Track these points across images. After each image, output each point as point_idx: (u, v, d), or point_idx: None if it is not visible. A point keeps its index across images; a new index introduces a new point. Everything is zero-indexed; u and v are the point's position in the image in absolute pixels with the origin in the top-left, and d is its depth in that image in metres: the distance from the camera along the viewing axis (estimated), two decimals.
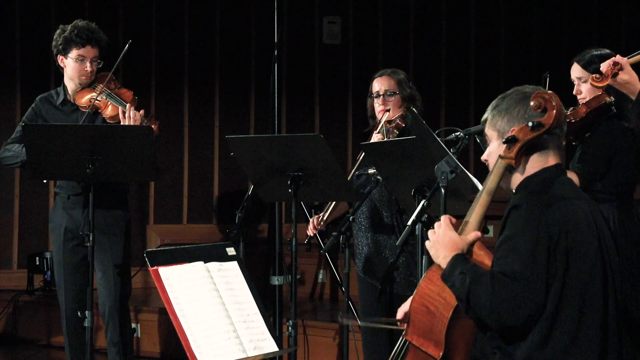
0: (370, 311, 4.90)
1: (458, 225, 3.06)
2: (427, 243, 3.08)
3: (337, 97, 8.45)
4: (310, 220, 5.10)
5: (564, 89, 3.90)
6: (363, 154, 4.78)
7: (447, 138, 4.33)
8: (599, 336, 2.92)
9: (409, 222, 4.00)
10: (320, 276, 7.49)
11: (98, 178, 4.76)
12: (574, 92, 4.33)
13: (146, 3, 8.07)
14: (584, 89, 4.30)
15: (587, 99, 4.29)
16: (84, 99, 5.18)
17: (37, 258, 7.38)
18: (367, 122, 5.09)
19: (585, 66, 4.31)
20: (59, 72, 5.35)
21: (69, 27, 5.17)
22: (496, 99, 3.12)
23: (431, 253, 3.05)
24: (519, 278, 2.84)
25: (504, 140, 3.03)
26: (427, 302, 3.06)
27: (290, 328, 4.61)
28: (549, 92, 3.03)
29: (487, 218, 3.21)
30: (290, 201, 4.60)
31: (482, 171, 3.32)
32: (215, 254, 3.65)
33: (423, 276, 3.13)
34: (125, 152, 4.75)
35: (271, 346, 3.56)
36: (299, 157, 4.53)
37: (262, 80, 7.52)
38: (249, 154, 4.68)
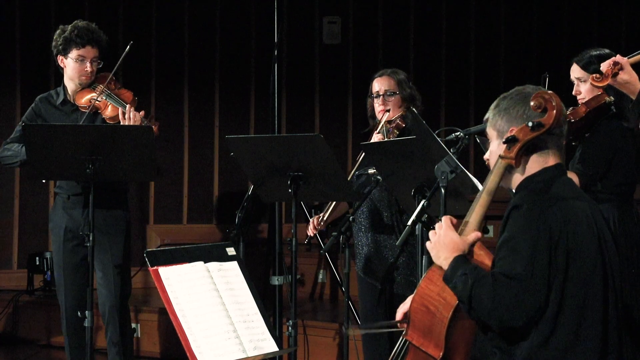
0: (370, 311, 4.90)
1: (458, 225, 3.06)
2: (427, 244, 3.08)
3: (337, 97, 8.45)
4: (311, 220, 5.10)
5: (564, 89, 3.90)
6: (363, 154, 4.78)
7: (447, 138, 4.32)
8: (600, 336, 2.92)
9: (409, 222, 4.00)
10: (320, 276, 7.49)
11: (98, 178, 4.76)
12: (573, 93, 4.33)
13: (146, 3, 8.07)
14: (583, 89, 4.30)
15: (587, 99, 4.29)
16: (84, 99, 5.18)
17: (37, 258, 7.37)
18: (367, 122, 5.09)
19: (584, 67, 4.31)
20: (59, 72, 5.35)
21: (69, 28, 5.17)
22: (498, 99, 3.12)
23: (432, 254, 3.05)
24: (520, 279, 2.84)
25: (504, 140, 3.03)
26: (427, 302, 3.06)
27: (290, 328, 4.61)
28: (549, 92, 3.03)
29: (487, 218, 3.21)
30: (290, 201, 4.60)
31: (482, 171, 3.32)
32: (215, 254, 3.65)
33: (423, 276, 3.13)
34: (125, 152, 4.75)
35: (271, 346, 3.56)
36: (299, 157, 4.53)
37: (262, 80, 7.52)
38: (249, 154, 4.68)
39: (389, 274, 4.83)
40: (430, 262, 3.10)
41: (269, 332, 3.57)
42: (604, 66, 3.96)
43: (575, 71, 4.35)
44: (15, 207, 7.75)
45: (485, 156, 3.17)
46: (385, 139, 4.77)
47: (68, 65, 5.18)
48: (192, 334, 3.39)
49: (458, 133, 4.27)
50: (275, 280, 5.98)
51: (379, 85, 4.94)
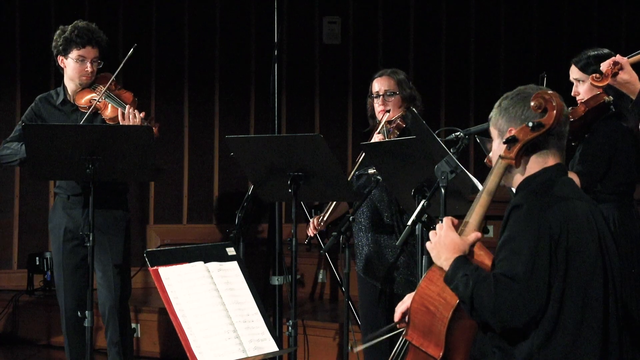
0: (370, 311, 4.90)
1: (458, 225, 3.06)
2: (428, 244, 3.08)
3: (337, 97, 8.45)
4: (311, 220, 5.10)
5: (564, 89, 3.89)
6: (363, 154, 4.78)
7: (447, 138, 4.32)
8: (600, 336, 2.92)
9: (409, 222, 4.00)
10: (320, 276, 7.49)
11: (98, 178, 4.76)
12: (572, 94, 4.32)
13: (146, 3, 8.07)
14: (582, 89, 4.30)
15: (586, 99, 4.28)
16: (84, 100, 5.18)
17: (37, 258, 7.38)
18: (367, 122, 5.09)
19: (582, 68, 4.30)
20: (59, 72, 5.35)
21: (69, 28, 5.17)
22: (501, 98, 3.12)
23: (432, 254, 3.05)
24: (520, 280, 2.84)
25: (504, 140, 3.03)
26: (427, 302, 3.06)
27: (290, 328, 4.61)
28: (550, 92, 3.03)
29: (487, 218, 3.21)
30: (290, 201, 4.60)
31: (482, 171, 3.32)
32: (215, 254, 3.65)
33: (423, 276, 3.13)
34: (125, 152, 4.75)
35: (271, 346, 3.56)
36: (299, 157, 4.53)
37: (262, 80, 7.52)
38: (249, 154, 4.68)
39: (389, 274, 4.83)
40: (430, 262, 3.10)
41: (269, 332, 3.57)
42: (604, 66, 3.96)
43: (574, 72, 4.34)
44: (15, 207, 7.75)
45: (487, 158, 3.18)
46: (386, 139, 4.77)
47: (68, 66, 5.18)
48: (192, 334, 3.39)
49: (458, 133, 4.27)
50: (275, 280, 5.98)
51: (379, 85, 4.94)
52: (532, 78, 4.42)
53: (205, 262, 3.59)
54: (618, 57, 3.95)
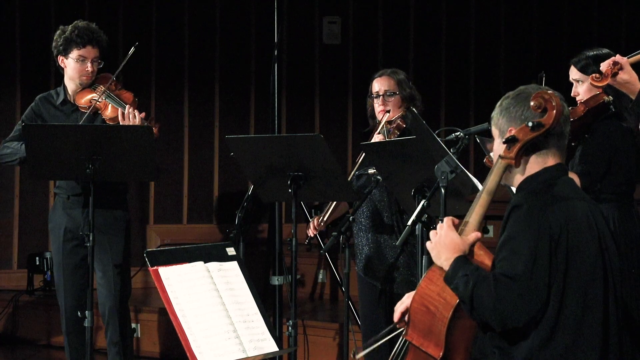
0: (370, 311, 4.91)
1: (458, 225, 3.06)
2: (428, 244, 3.08)
3: (337, 97, 8.45)
4: (311, 221, 5.10)
5: (564, 89, 3.89)
6: (363, 154, 4.78)
7: (447, 138, 4.32)
8: (600, 336, 2.92)
9: (409, 222, 4.01)
10: (320, 276, 7.49)
11: (98, 178, 4.76)
12: (572, 94, 4.32)
13: (146, 3, 8.07)
14: (581, 90, 4.30)
15: (585, 99, 4.28)
16: (84, 100, 5.18)
17: (37, 258, 7.38)
18: (367, 122, 5.09)
19: (581, 69, 4.30)
20: (59, 72, 5.35)
21: (70, 28, 5.17)
22: (503, 97, 3.12)
23: (432, 254, 3.05)
24: (521, 279, 2.84)
25: (503, 140, 3.03)
26: (427, 302, 3.06)
27: (290, 328, 4.61)
28: (549, 92, 3.02)
29: (487, 218, 3.21)
30: (290, 201, 4.60)
31: (482, 171, 3.32)
32: (215, 254, 3.65)
33: (423, 276, 3.13)
34: (125, 152, 4.75)
35: (271, 346, 3.56)
36: (299, 157, 4.53)
37: (262, 80, 7.52)
38: (249, 154, 4.68)
39: (389, 274, 4.83)
40: (430, 262, 3.10)
41: (269, 332, 3.57)
42: (604, 66, 3.96)
43: (573, 73, 4.34)
44: (15, 207, 7.75)
45: (487, 158, 3.18)
46: (386, 140, 4.77)
47: (68, 66, 5.18)
48: (192, 334, 3.39)
49: (458, 133, 4.27)
50: (275, 280, 5.98)
51: (378, 85, 4.94)
52: (532, 78, 4.42)
53: (205, 262, 3.59)
54: (618, 57, 3.95)
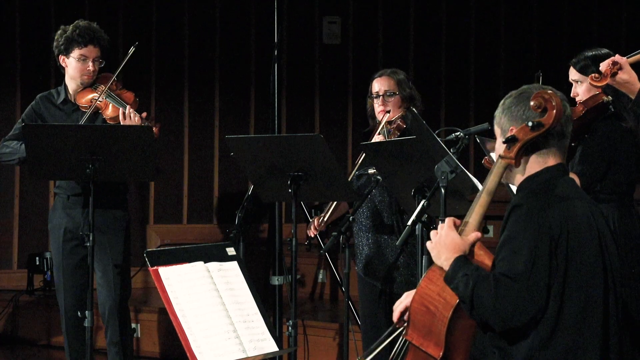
0: (370, 311, 4.91)
1: (458, 225, 3.06)
2: (428, 244, 3.08)
3: (337, 97, 8.45)
4: (311, 221, 5.10)
5: (564, 89, 3.89)
6: (363, 154, 4.78)
7: (447, 138, 4.32)
8: (600, 336, 2.92)
9: (409, 222, 4.00)
10: (320, 276, 7.49)
11: (98, 178, 4.76)
12: (571, 95, 4.32)
13: (146, 3, 8.07)
14: (581, 90, 4.30)
15: (584, 99, 4.28)
16: (85, 99, 5.18)
17: (37, 258, 7.38)
18: (367, 122, 5.09)
19: (580, 70, 4.30)
20: (59, 72, 5.35)
21: (71, 27, 5.17)
22: (505, 96, 3.12)
23: (432, 254, 3.05)
24: (521, 279, 2.84)
25: (503, 140, 3.03)
26: (427, 302, 3.06)
27: (290, 328, 4.61)
28: (550, 91, 3.02)
29: (487, 218, 3.22)
30: (290, 201, 4.60)
31: (482, 171, 3.32)
32: (215, 254, 3.65)
33: (423, 276, 3.13)
34: (125, 152, 4.75)
35: (271, 346, 3.56)
36: (299, 157, 4.53)
37: (262, 80, 7.52)
38: (249, 154, 4.68)
39: (389, 274, 4.83)
40: (430, 262, 3.10)
41: (269, 332, 3.58)
42: (603, 66, 3.95)
43: (572, 74, 4.34)
44: (15, 207, 7.75)
45: (485, 159, 3.18)
46: (386, 140, 4.77)
47: (70, 65, 5.18)
48: (192, 334, 3.39)
49: (458, 133, 4.27)
50: (275, 280, 5.98)
51: (378, 85, 4.94)
52: (532, 78, 4.42)
53: (205, 262, 3.59)
54: (617, 57, 3.95)
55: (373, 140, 4.79)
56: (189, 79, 8.16)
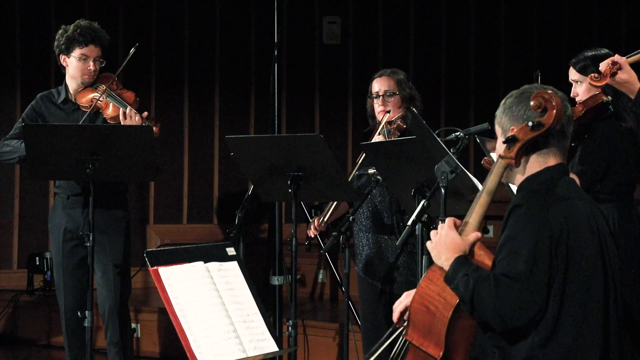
0: (370, 311, 4.91)
1: (458, 225, 3.06)
2: (428, 244, 3.08)
3: (337, 97, 8.45)
4: (311, 221, 5.10)
5: (564, 89, 3.89)
6: (363, 154, 4.78)
7: (447, 138, 4.32)
8: (600, 336, 2.92)
9: (409, 222, 4.00)
10: (320, 276, 7.49)
11: (98, 178, 4.76)
12: (571, 95, 4.32)
13: (146, 3, 8.07)
14: (581, 90, 4.30)
15: (584, 99, 4.28)
16: (85, 99, 5.18)
17: (37, 258, 7.38)
18: (367, 122, 5.09)
19: (580, 70, 4.30)
20: (59, 72, 5.35)
21: (72, 27, 5.17)
22: (507, 96, 3.12)
23: (433, 254, 3.05)
24: (521, 279, 2.84)
25: (503, 140, 3.03)
26: (427, 302, 3.06)
27: (290, 328, 4.61)
28: (550, 91, 3.02)
29: (487, 218, 3.22)
30: (290, 201, 4.60)
31: (482, 171, 3.32)
32: (215, 254, 3.65)
33: (423, 276, 3.13)
34: (125, 152, 4.75)
35: (271, 346, 3.56)
36: (299, 157, 4.53)
37: (262, 80, 7.52)
38: (249, 154, 4.68)
39: (389, 274, 4.83)
40: (430, 262, 3.10)
41: (269, 332, 3.58)
42: (603, 65, 3.96)
43: (572, 74, 4.34)
44: (15, 207, 7.75)
45: (484, 159, 3.18)
46: (386, 140, 4.77)
47: (71, 64, 5.18)
48: (192, 334, 3.39)
49: (458, 133, 4.27)
50: (275, 280, 5.98)
51: (378, 85, 4.94)
52: (532, 78, 4.42)
53: (205, 262, 3.59)
54: (617, 57, 3.95)
55: (373, 140, 4.79)
56: (189, 79, 8.16)
